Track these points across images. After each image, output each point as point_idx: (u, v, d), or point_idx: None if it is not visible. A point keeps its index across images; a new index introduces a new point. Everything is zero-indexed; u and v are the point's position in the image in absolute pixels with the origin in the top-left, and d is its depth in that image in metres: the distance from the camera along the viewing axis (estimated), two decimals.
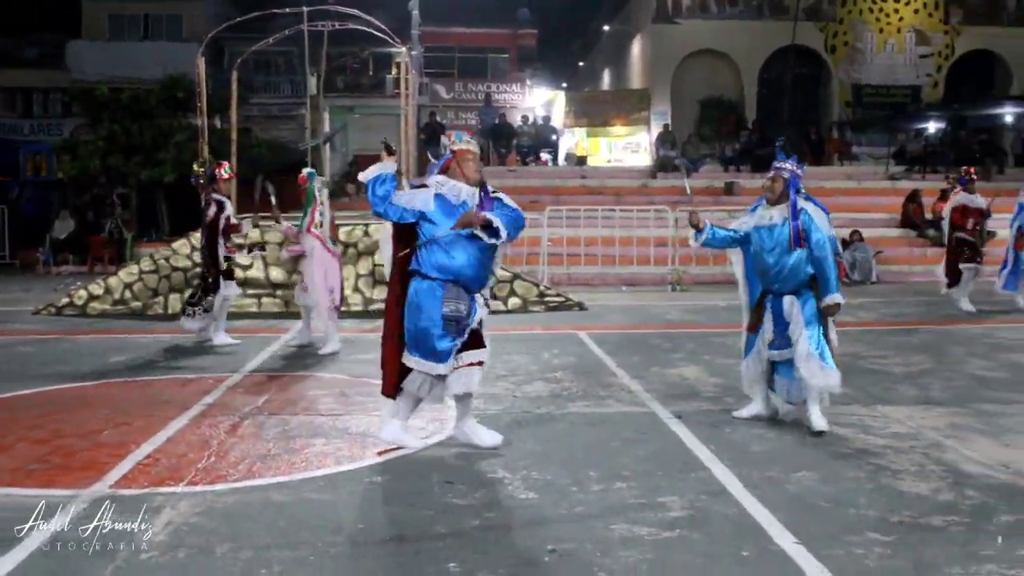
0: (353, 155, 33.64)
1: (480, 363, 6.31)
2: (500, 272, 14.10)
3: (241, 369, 9.44)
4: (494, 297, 6.83)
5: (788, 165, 7.07)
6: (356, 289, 14.08)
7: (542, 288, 14.61)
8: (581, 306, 14.38)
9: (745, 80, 33.43)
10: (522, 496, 5.34)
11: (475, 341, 6.28)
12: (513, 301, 14.21)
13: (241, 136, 18.72)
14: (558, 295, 14.56)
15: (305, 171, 11.08)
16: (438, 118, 29.31)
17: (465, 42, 41.66)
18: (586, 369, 9.34)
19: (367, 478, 5.68)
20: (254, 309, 13.96)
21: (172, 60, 28.11)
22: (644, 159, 30.54)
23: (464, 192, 6.32)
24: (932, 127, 30.04)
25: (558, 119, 32.64)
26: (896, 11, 33.83)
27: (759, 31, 32.65)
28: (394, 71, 37.42)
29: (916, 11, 33.89)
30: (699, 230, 7.33)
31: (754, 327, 7.14)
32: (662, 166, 26.13)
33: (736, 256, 7.50)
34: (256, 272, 14.09)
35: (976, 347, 10.63)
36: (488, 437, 6.42)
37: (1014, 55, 33.94)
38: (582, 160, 29.78)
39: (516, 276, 14.50)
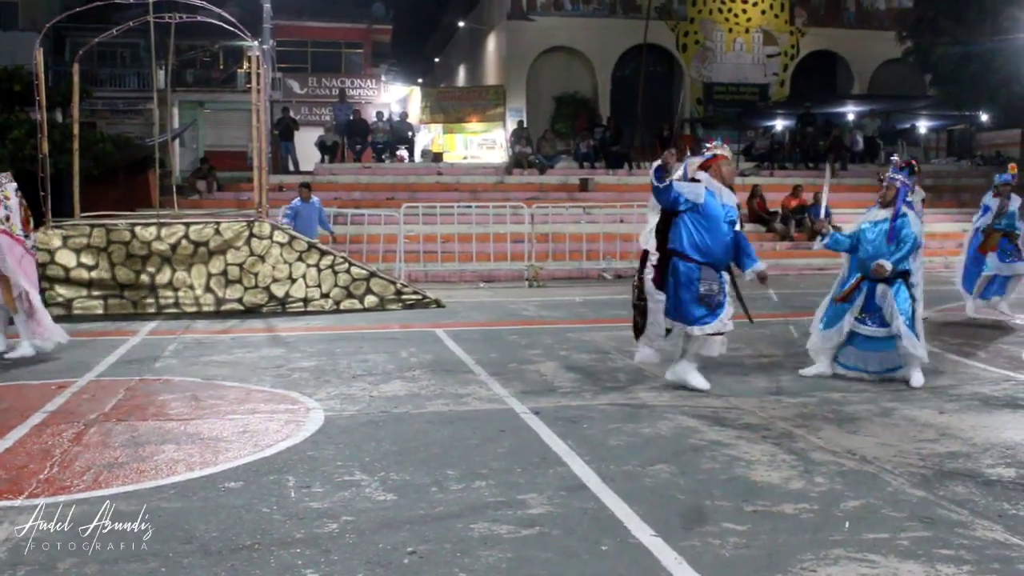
0: (204, 151, 32.84)
1: (720, 334, 7.97)
2: (356, 270, 14.04)
3: (86, 374, 9.07)
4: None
5: (900, 176, 8.43)
6: (208, 289, 13.70)
7: (399, 286, 14.49)
8: (439, 303, 14.34)
9: (599, 77, 33.93)
10: (380, 498, 5.26)
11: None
12: (370, 299, 14.06)
13: (85, 131, 18.04)
14: (415, 292, 14.46)
15: None
16: (292, 113, 28.83)
17: (318, 37, 41.25)
18: (444, 367, 9.30)
19: (221, 484, 5.51)
20: (100, 311, 13.46)
21: (7, 50, 26.89)
22: (500, 155, 30.70)
23: (725, 193, 7.95)
24: (779, 124, 31.04)
25: (414, 115, 32.52)
26: (744, 11, 34.87)
27: (612, 29, 33.18)
28: (246, 65, 36.70)
29: (763, 12, 35.00)
30: (823, 236, 8.70)
31: (846, 298, 8.49)
32: (517, 162, 26.28)
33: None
34: (103, 273, 13.58)
35: None
36: (700, 382, 7.94)
37: (855, 56, 35.41)
38: (438, 157, 29.75)
39: (372, 274, 14.35)
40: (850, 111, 30.97)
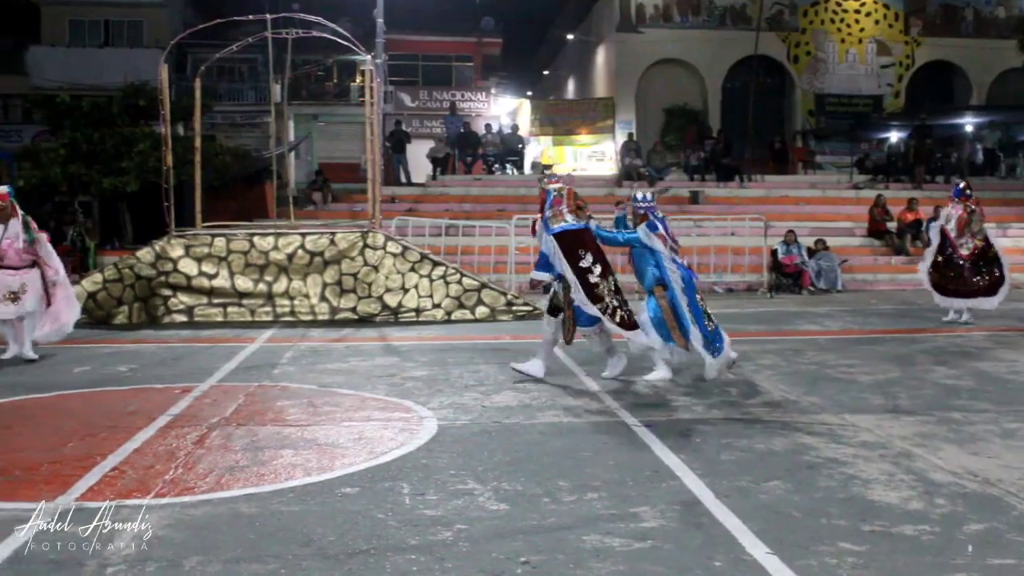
0: (318, 163, 33.48)
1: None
2: (468, 281, 14.17)
3: (208, 379, 9.34)
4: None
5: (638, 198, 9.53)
6: (323, 298, 13.99)
7: (510, 297, 14.56)
8: None
9: (709, 89, 33.66)
10: (493, 507, 5.30)
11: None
12: (481, 310, 14.18)
13: (205, 144, 18.56)
14: (526, 304, 14.50)
15: (4, 188, 10.76)
16: (403, 126, 29.22)
17: (430, 50, 41.71)
18: (554, 379, 9.31)
19: (337, 489, 5.61)
20: (220, 318, 13.85)
21: (133, 67, 27.94)
22: (609, 168, 30.64)
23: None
24: (894, 136, 30.35)
25: (524, 127, 32.69)
26: (857, 22, 34.24)
27: (722, 41, 32.92)
28: (359, 79, 37.31)
29: (877, 22, 34.31)
30: None
31: None
32: (627, 174, 26.21)
33: None
34: (222, 281, 13.97)
35: (942, 355, 10.70)
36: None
37: (973, 66, 34.46)
38: (548, 168, 29.81)
39: (484, 285, 14.46)
40: (968, 123, 30.11)
